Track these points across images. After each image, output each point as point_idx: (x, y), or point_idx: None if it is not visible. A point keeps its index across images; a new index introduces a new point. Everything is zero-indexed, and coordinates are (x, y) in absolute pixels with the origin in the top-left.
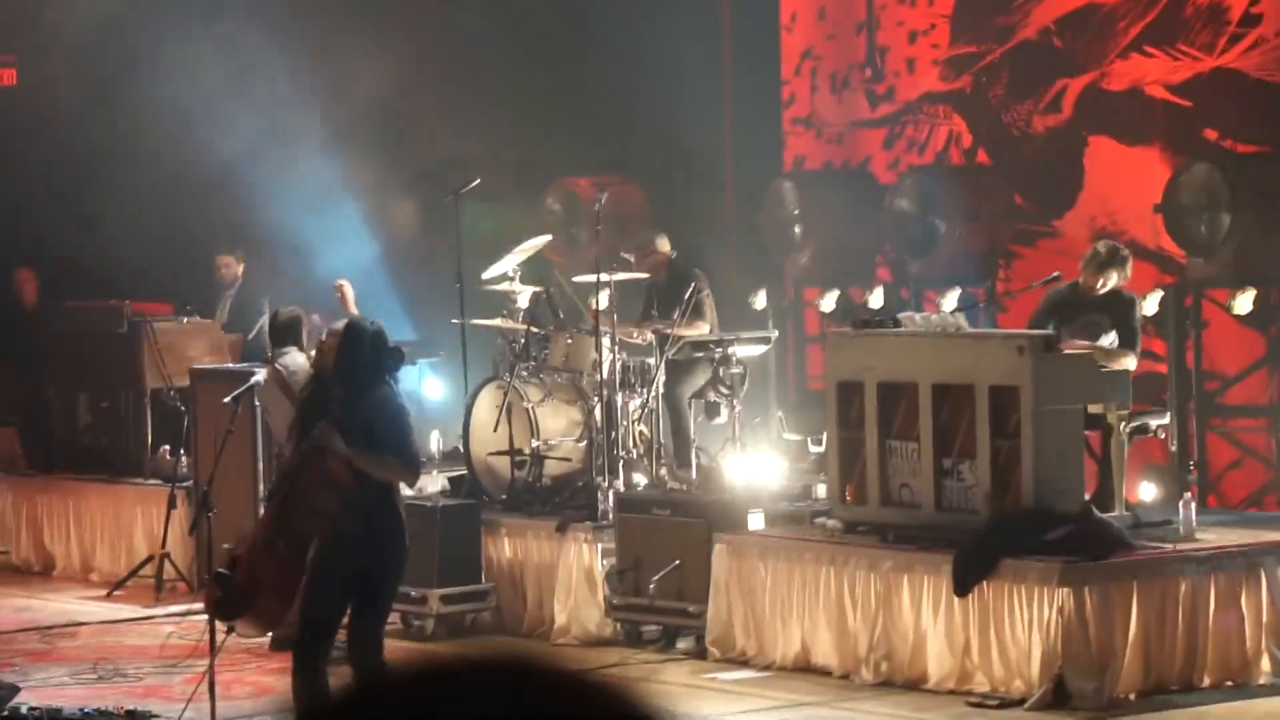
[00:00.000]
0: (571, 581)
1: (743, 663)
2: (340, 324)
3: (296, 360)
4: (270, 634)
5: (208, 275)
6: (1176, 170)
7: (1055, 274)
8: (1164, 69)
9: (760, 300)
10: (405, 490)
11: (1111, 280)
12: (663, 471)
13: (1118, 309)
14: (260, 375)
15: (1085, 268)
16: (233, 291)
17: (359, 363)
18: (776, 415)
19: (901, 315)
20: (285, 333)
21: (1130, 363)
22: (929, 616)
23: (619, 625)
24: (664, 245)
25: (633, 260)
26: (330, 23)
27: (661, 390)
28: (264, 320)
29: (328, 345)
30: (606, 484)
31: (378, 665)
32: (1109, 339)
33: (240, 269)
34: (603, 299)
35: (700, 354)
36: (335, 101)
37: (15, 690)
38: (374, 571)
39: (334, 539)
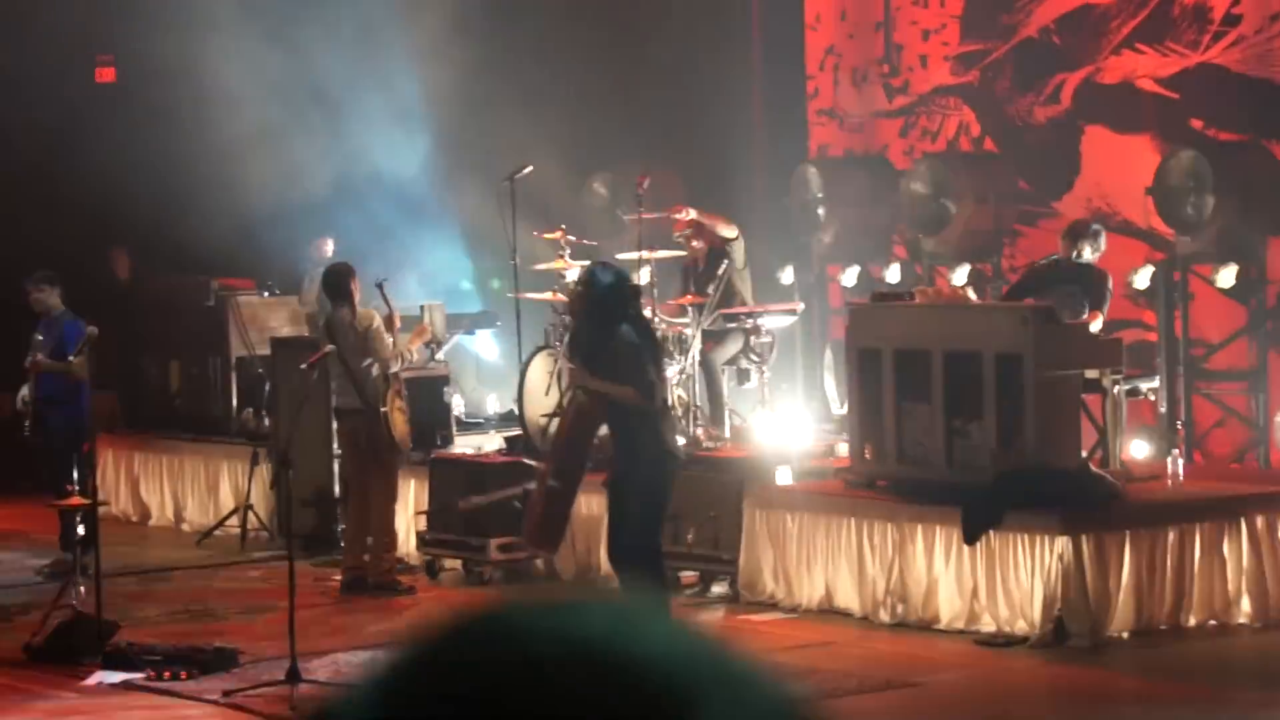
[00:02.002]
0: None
1: (772, 605)
2: (583, 270)
3: (362, 313)
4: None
5: (288, 256)
6: (1165, 156)
7: (1054, 255)
8: (1154, 64)
9: (787, 275)
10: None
11: (1085, 252)
12: (699, 431)
13: (1089, 280)
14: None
15: (1061, 239)
16: (321, 271)
17: (599, 304)
18: (827, 379)
19: (915, 289)
20: (332, 290)
21: (1095, 324)
22: (940, 563)
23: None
24: (695, 215)
25: (681, 239)
26: (411, 20)
27: (698, 357)
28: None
29: (574, 290)
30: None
31: (627, 579)
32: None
33: (329, 250)
34: (643, 275)
35: (733, 324)
36: (408, 93)
37: (116, 628)
38: (615, 501)
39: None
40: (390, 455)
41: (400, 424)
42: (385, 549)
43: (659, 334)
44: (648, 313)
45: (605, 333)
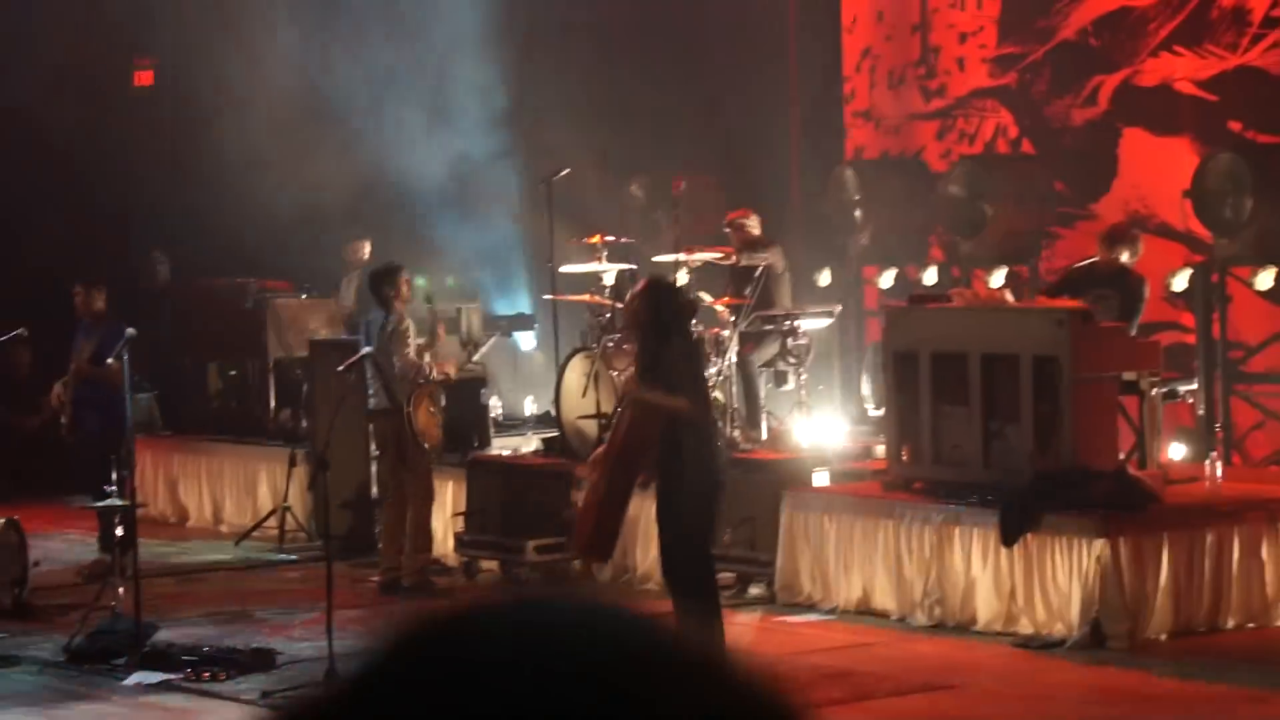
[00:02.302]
0: (652, 532)
1: (809, 607)
2: (640, 282)
3: (393, 316)
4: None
5: (325, 258)
6: (1203, 159)
7: (1093, 258)
8: (1192, 66)
9: (824, 278)
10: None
11: (1123, 255)
12: (736, 433)
13: (1124, 284)
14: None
15: (1099, 242)
16: (358, 273)
17: (655, 316)
18: (864, 381)
19: (952, 291)
20: (373, 290)
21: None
22: (978, 565)
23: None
24: (755, 224)
25: (729, 231)
26: (448, 23)
27: (735, 359)
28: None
29: (630, 301)
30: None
31: (680, 593)
32: None
33: (366, 253)
34: (681, 277)
35: (770, 326)
36: (454, 94)
37: (155, 628)
38: (660, 514)
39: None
40: (417, 456)
41: (425, 424)
42: (418, 550)
43: (695, 336)
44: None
45: (660, 345)
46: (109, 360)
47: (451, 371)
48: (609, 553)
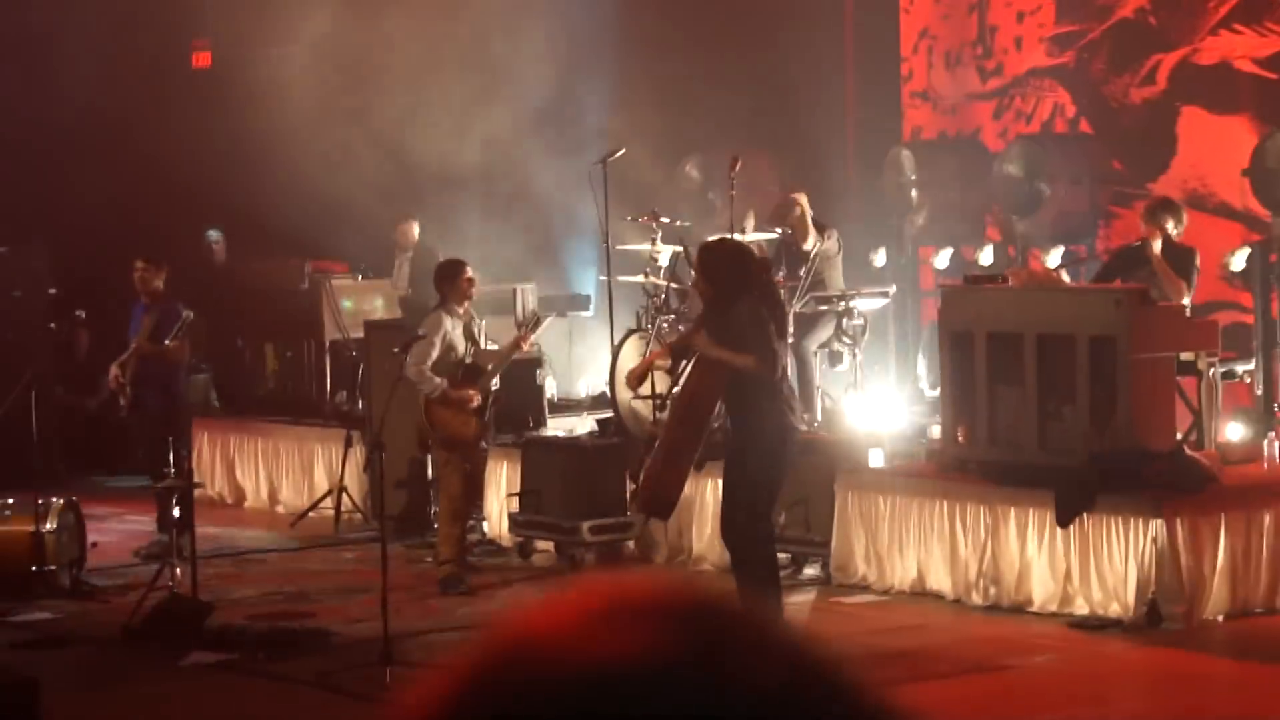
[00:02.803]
0: (707, 514)
1: (864, 588)
2: (704, 243)
3: (430, 320)
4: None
5: (380, 239)
6: (1262, 137)
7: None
8: (1251, 44)
9: (880, 258)
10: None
11: (1168, 227)
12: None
13: (1173, 257)
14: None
15: (1142, 220)
16: (409, 255)
17: (718, 278)
18: (921, 363)
19: (1008, 271)
20: (435, 283)
21: (1184, 297)
22: (1033, 546)
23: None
24: (802, 205)
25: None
26: (503, 5)
27: (789, 340)
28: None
29: (696, 263)
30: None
31: (741, 553)
32: None
33: (415, 233)
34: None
35: (825, 307)
36: (500, 77)
37: (211, 609)
38: (731, 473)
39: (725, 449)
40: (435, 450)
41: (441, 418)
42: (439, 543)
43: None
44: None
45: (727, 303)
46: (167, 340)
47: (524, 345)
48: (669, 511)
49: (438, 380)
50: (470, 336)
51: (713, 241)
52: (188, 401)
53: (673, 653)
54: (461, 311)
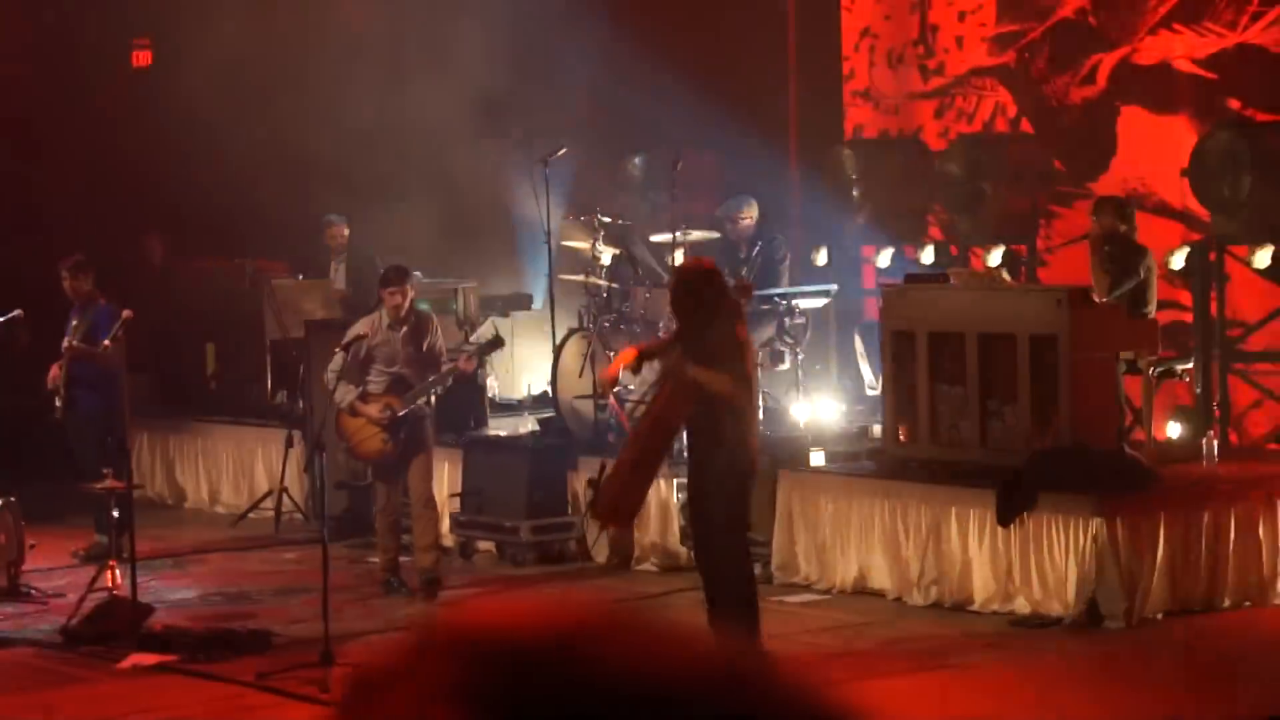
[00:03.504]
0: (649, 513)
1: (805, 587)
2: (682, 262)
3: (355, 326)
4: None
5: (316, 238)
6: (1202, 137)
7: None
8: (1190, 44)
9: (822, 257)
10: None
11: (1111, 226)
12: None
13: (1120, 254)
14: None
15: (1093, 218)
16: (343, 256)
17: (693, 301)
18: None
19: (950, 270)
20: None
21: (1103, 295)
22: (975, 544)
23: (692, 553)
24: (752, 213)
25: (724, 223)
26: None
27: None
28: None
29: (671, 285)
30: (615, 398)
31: (715, 576)
32: None
33: (345, 234)
34: (678, 257)
35: (767, 306)
36: (443, 75)
37: (150, 610)
38: (696, 496)
39: (688, 465)
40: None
41: (347, 429)
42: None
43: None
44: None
45: (704, 325)
46: (105, 341)
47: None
48: (630, 520)
49: (343, 389)
50: (418, 346)
51: (690, 262)
52: (123, 403)
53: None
54: (401, 319)
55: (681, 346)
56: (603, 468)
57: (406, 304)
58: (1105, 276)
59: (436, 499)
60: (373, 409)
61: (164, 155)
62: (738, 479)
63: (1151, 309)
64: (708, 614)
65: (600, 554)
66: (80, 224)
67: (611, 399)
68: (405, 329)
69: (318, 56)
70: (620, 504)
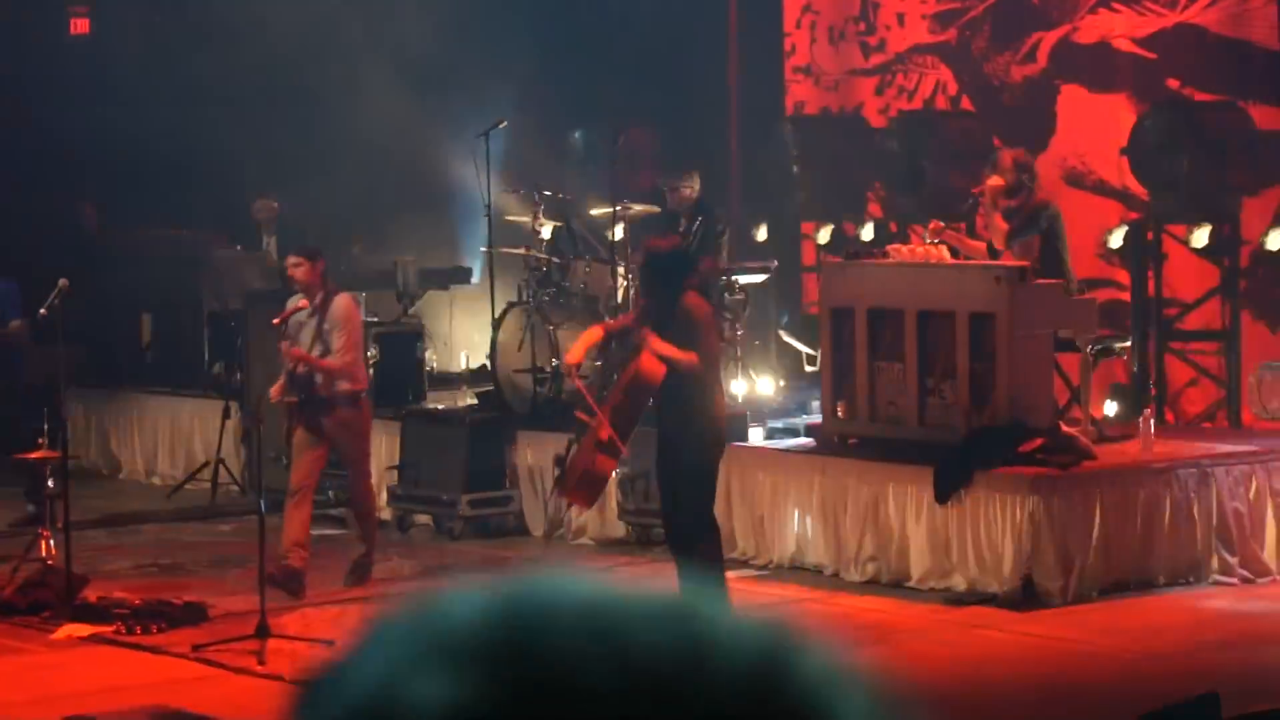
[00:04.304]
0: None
1: (744, 563)
2: (643, 246)
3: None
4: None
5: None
6: (1141, 116)
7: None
8: (1130, 24)
9: (762, 233)
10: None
11: (1014, 179)
12: None
13: (1022, 207)
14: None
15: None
16: (273, 230)
17: (660, 278)
18: (779, 331)
19: (889, 247)
20: None
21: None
22: (912, 521)
23: (630, 528)
24: (694, 184)
25: (665, 191)
26: None
27: None
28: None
29: (637, 265)
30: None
31: (687, 560)
32: None
33: (276, 209)
34: (618, 231)
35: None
36: (382, 47)
37: (85, 581)
38: (668, 470)
39: (658, 441)
40: None
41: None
42: None
43: (635, 290)
44: (621, 269)
45: (671, 301)
46: (13, 322)
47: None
48: (594, 500)
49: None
50: (320, 329)
51: (657, 240)
52: (28, 378)
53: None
54: (311, 298)
55: (649, 323)
56: (569, 445)
57: (309, 280)
58: (1003, 225)
59: (369, 489)
60: (276, 389)
61: (99, 123)
62: (708, 451)
63: (1068, 267)
64: (679, 583)
65: (536, 528)
66: (12, 191)
67: (576, 380)
68: (313, 308)
69: (255, 27)
70: (586, 485)
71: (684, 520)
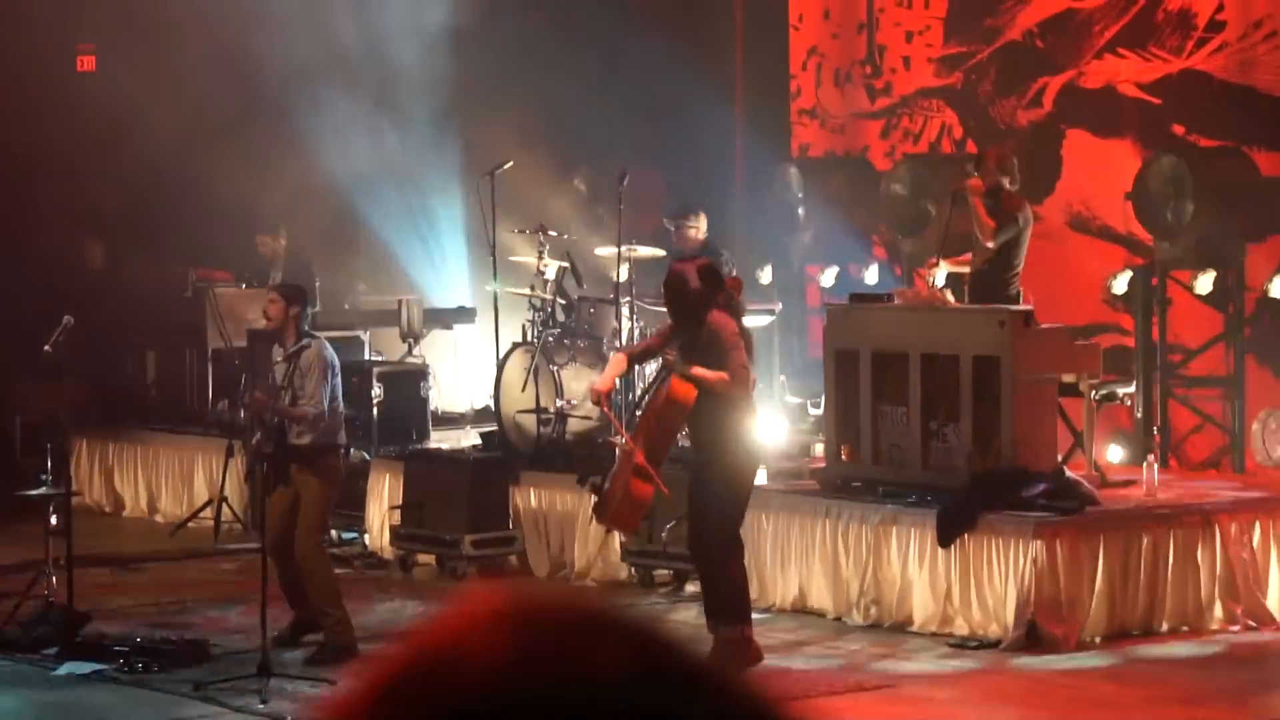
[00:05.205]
0: (590, 529)
1: None
2: (673, 263)
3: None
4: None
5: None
6: (1146, 162)
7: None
8: (1136, 69)
9: (766, 275)
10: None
11: (994, 180)
12: None
13: (1001, 206)
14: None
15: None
16: (279, 267)
17: (685, 301)
18: (779, 380)
19: (894, 291)
20: None
21: (989, 240)
22: (915, 565)
23: (633, 570)
24: (700, 225)
25: (671, 232)
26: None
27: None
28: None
29: (664, 286)
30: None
31: (710, 572)
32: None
33: (282, 245)
34: (622, 272)
35: None
36: (389, 87)
37: (87, 618)
38: (700, 488)
39: (692, 461)
40: None
41: None
42: None
43: (640, 330)
44: (625, 307)
45: (697, 322)
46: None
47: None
48: (636, 524)
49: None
50: (288, 376)
51: (683, 262)
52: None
53: (608, 670)
54: (282, 339)
55: (678, 345)
56: (605, 473)
57: (279, 320)
58: (990, 222)
59: (313, 553)
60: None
61: (105, 160)
62: (742, 471)
63: (1019, 267)
64: (705, 606)
65: (540, 568)
66: (20, 229)
67: (606, 408)
68: (287, 354)
69: (261, 66)
70: (627, 512)
71: (712, 540)
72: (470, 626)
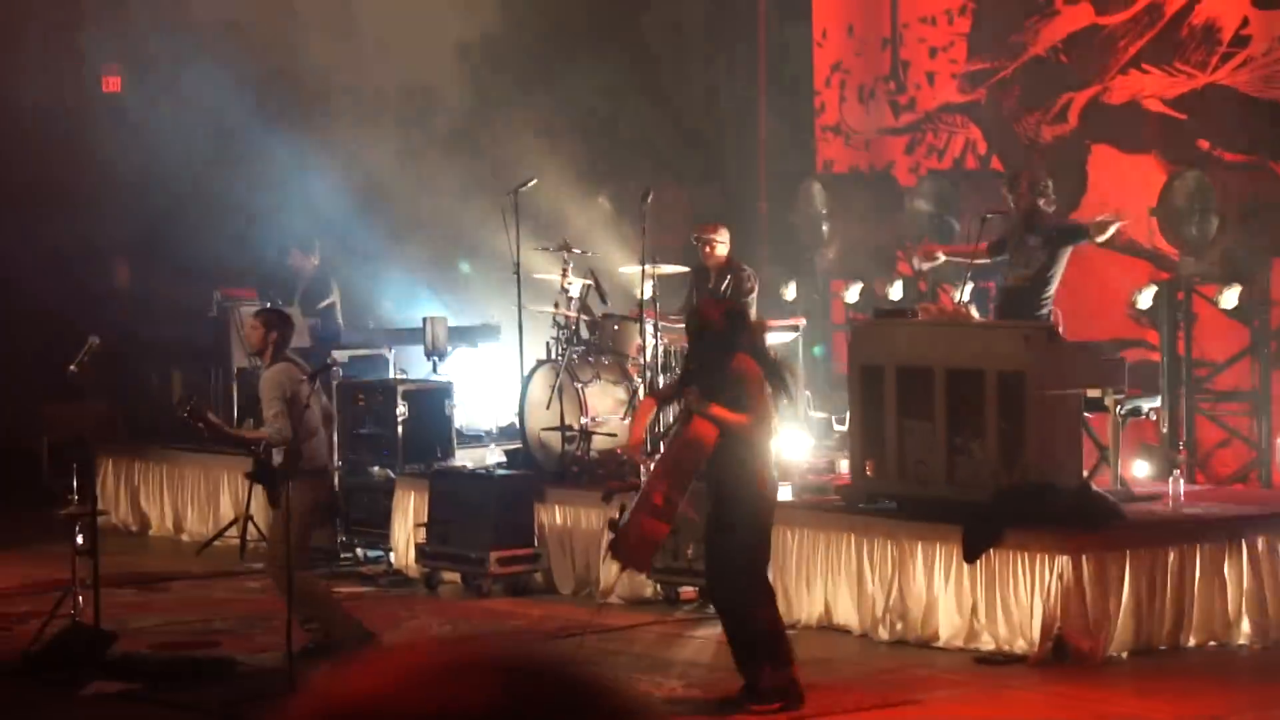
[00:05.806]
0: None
1: None
2: (702, 301)
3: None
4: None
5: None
6: (1171, 177)
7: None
8: (1160, 84)
9: (791, 291)
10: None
11: (1030, 203)
12: None
13: (1055, 233)
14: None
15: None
16: (304, 282)
17: (706, 338)
18: (804, 395)
19: (918, 306)
20: None
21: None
22: (940, 581)
23: (659, 587)
24: (725, 240)
25: (696, 248)
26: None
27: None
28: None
29: (688, 324)
30: (648, 458)
31: (739, 616)
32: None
33: (313, 264)
34: (647, 289)
35: None
36: (414, 103)
37: (114, 638)
38: (718, 534)
39: (709, 503)
40: None
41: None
42: None
43: (663, 348)
44: (649, 325)
45: (722, 361)
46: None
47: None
48: (649, 563)
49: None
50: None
51: (708, 300)
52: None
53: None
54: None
55: (699, 385)
56: (622, 509)
57: (258, 345)
58: (1039, 254)
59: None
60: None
61: (131, 179)
62: (760, 515)
63: (1054, 287)
64: (731, 646)
65: (565, 586)
66: (48, 248)
67: (642, 459)
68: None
69: (287, 82)
70: (642, 549)
71: (738, 585)
72: (368, 673)
